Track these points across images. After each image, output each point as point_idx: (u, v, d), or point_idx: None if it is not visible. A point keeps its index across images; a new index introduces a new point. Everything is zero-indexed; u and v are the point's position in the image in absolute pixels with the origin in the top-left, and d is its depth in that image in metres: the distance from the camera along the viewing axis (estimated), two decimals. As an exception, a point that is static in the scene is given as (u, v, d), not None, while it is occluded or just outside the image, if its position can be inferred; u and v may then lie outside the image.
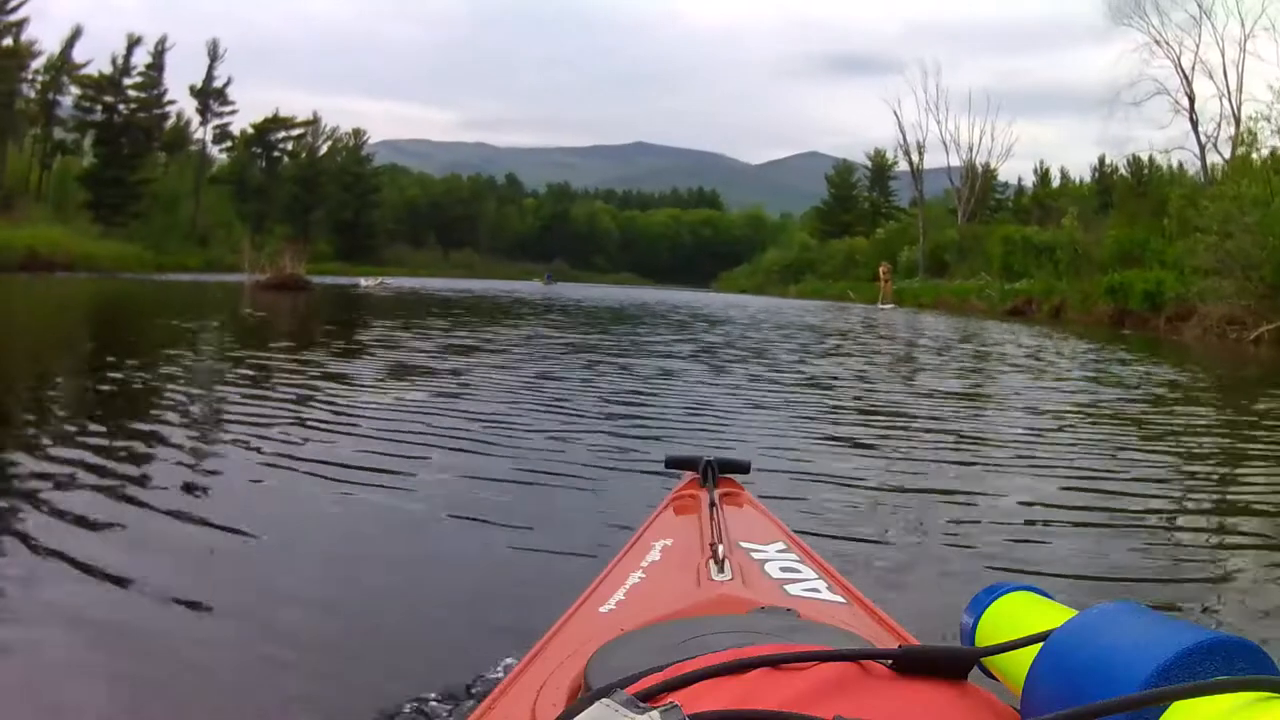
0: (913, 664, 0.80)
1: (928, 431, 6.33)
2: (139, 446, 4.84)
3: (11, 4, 53.26)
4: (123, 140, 64.27)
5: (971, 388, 9.79)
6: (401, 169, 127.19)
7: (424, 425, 5.58)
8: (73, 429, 5.23)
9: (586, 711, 0.68)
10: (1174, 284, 23.54)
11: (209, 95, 72.61)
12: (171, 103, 69.95)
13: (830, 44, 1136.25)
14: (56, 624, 2.43)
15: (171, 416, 5.73)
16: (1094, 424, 7.10)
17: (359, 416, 5.94)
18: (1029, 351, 15.62)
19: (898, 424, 6.69)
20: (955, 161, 59.27)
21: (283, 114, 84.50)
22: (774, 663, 0.77)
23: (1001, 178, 64.33)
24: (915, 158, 60.98)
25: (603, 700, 0.68)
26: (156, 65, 67.60)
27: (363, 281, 38.81)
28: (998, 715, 0.77)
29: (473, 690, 2.06)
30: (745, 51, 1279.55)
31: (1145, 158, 45.64)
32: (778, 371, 10.46)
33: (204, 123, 73.15)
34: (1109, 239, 29.82)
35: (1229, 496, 4.91)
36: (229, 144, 77.01)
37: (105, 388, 7.06)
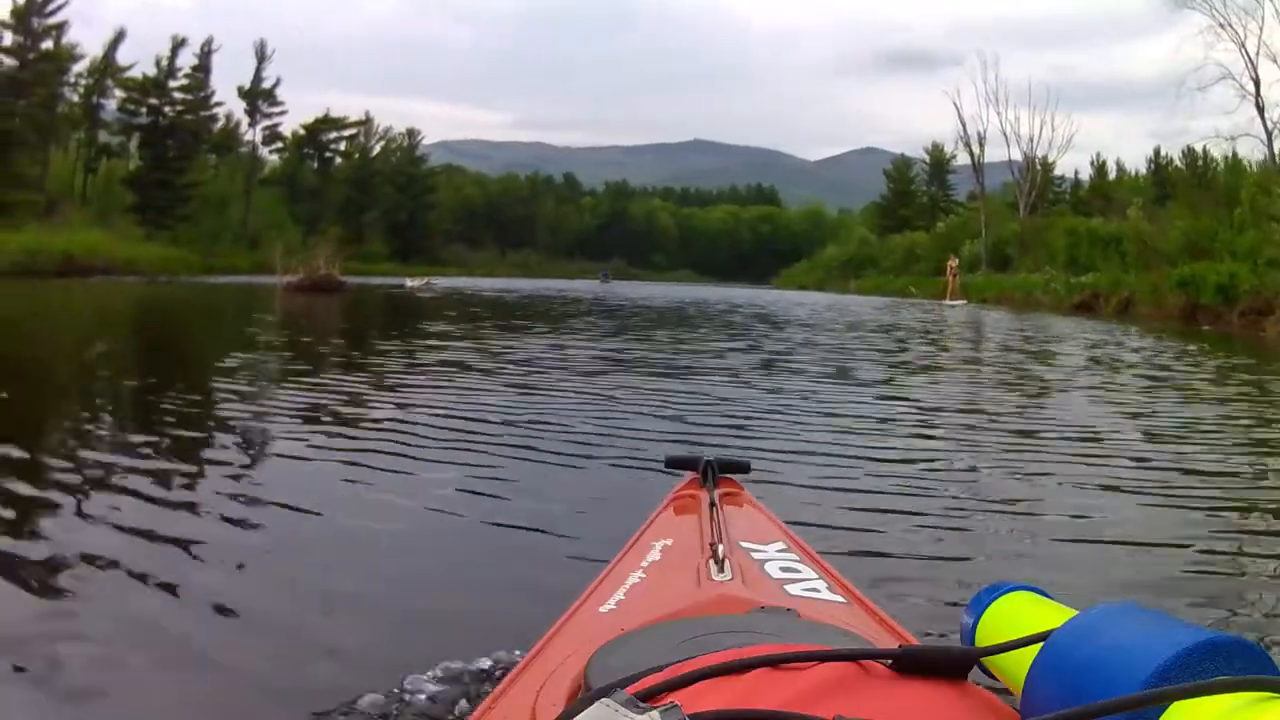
0: (913, 664, 0.80)
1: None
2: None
3: (51, 6, 53.28)
4: (169, 143, 63.99)
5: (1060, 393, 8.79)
6: (457, 169, 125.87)
7: (419, 437, 5.55)
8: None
9: (586, 711, 0.69)
10: (1248, 276, 22.77)
11: (257, 96, 72.17)
12: (219, 104, 69.71)
13: (881, 41, 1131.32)
14: (101, 628, 2.45)
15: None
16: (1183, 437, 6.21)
17: (356, 422, 6.00)
18: (1108, 352, 14.24)
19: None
20: (1015, 154, 58.36)
21: (335, 115, 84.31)
22: (774, 663, 0.77)
23: (1058, 171, 62.88)
24: (976, 150, 58.97)
25: (603, 700, 0.69)
26: (203, 67, 67.25)
27: (408, 282, 37.35)
28: (998, 715, 0.77)
29: (473, 690, 2.05)
30: (797, 49, 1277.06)
31: (1199, 148, 44.77)
32: (872, 401, 7.86)
33: (253, 124, 72.78)
34: (1175, 230, 28.70)
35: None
36: (279, 145, 76.73)
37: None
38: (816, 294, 52.53)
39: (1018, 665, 0.80)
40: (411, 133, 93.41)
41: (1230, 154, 35.51)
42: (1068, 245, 38.00)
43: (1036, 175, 56.23)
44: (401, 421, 5.76)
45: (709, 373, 9.33)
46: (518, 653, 1.31)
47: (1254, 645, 0.65)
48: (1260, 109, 33.81)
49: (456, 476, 4.33)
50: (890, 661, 0.80)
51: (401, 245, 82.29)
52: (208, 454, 4.86)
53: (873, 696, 0.75)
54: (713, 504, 1.73)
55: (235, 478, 4.24)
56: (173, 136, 64.69)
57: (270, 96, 73.30)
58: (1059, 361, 12.37)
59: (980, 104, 76.91)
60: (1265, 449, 5.86)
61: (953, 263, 42.78)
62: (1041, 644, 0.75)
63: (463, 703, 2.00)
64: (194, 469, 4.46)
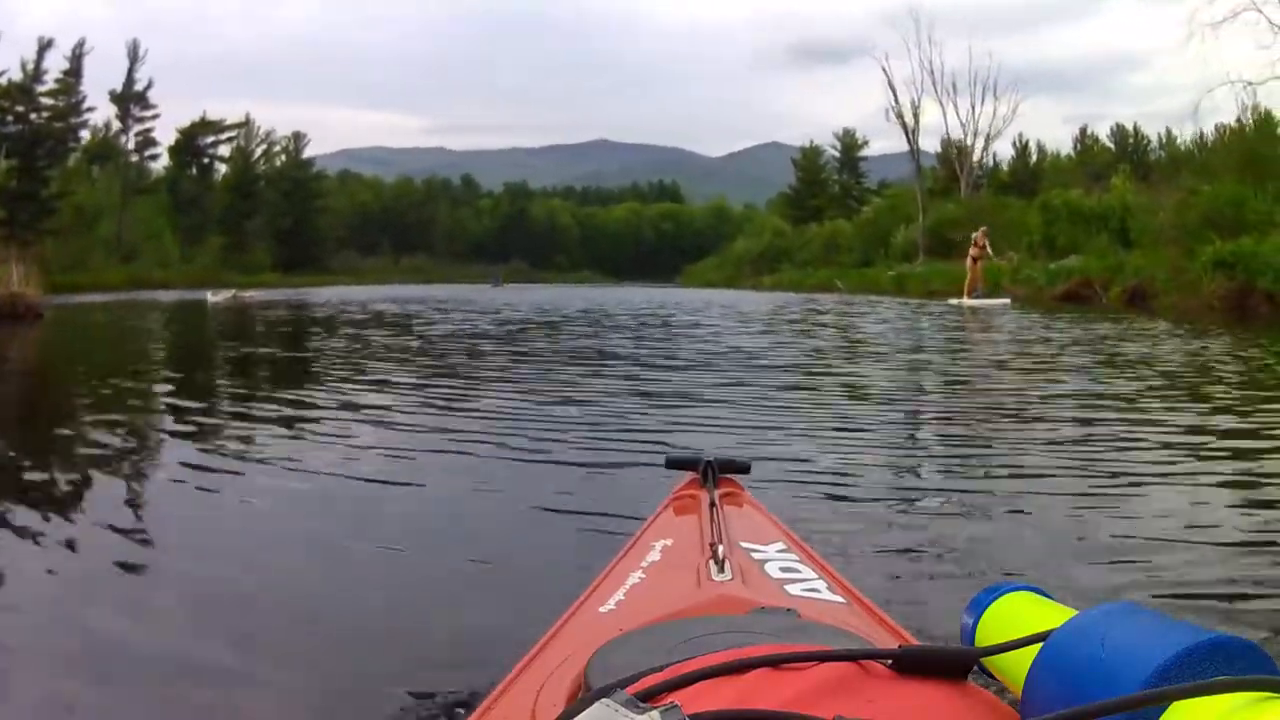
0: (913, 664, 0.80)
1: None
2: None
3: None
4: (38, 152, 58.32)
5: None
6: (353, 175, 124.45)
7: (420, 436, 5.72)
8: None
9: (586, 711, 0.68)
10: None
11: (129, 100, 67.46)
12: (91, 109, 64.24)
13: (792, 34, 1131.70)
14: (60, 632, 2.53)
15: None
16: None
17: (346, 432, 6.18)
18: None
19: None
20: (953, 124, 52.61)
21: (212, 119, 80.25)
22: (774, 663, 0.77)
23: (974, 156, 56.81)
24: (910, 119, 52.80)
25: (603, 700, 0.68)
26: (74, 70, 61.55)
27: (209, 296, 31.34)
28: (998, 715, 0.77)
29: (473, 690, 2.05)
30: (705, 46, 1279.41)
31: (1130, 125, 39.34)
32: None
33: (125, 129, 67.95)
34: (1203, 198, 22.60)
35: None
36: (153, 151, 71.79)
37: None
38: (729, 293, 45.71)
39: (1018, 665, 0.79)
40: (297, 136, 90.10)
41: (1248, 105, 29.03)
42: (1043, 223, 31.53)
43: (971, 152, 50.71)
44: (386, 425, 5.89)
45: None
46: (517, 653, 1.22)
47: (1254, 645, 0.65)
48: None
49: (451, 480, 4.48)
50: (890, 661, 0.80)
51: (287, 254, 79.06)
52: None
53: (873, 696, 0.75)
54: (713, 504, 1.71)
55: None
56: (40, 145, 59.45)
57: (143, 100, 68.47)
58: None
59: (914, 67, 67.68)
60: None
61: (980, 236, 26.75)
62: (1041, 644, 0.75)
63: (463, 703, 2.02)
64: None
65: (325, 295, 38.72)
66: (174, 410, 7.10)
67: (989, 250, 26.58)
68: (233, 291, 34.12)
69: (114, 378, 9.24)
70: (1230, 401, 7.07)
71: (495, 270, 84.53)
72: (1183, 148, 39.50)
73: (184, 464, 4.79)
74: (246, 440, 5.70)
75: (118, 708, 2.14)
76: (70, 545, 3.32)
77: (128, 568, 3.07)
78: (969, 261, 26.36)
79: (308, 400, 7.38)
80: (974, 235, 26.59)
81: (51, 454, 5.42)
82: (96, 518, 3.73)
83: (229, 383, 9.43)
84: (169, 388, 8.61)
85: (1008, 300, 23.94)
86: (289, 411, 6.73)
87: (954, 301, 25.09)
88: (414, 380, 8.74)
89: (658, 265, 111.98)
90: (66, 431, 6.20)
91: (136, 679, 2.25)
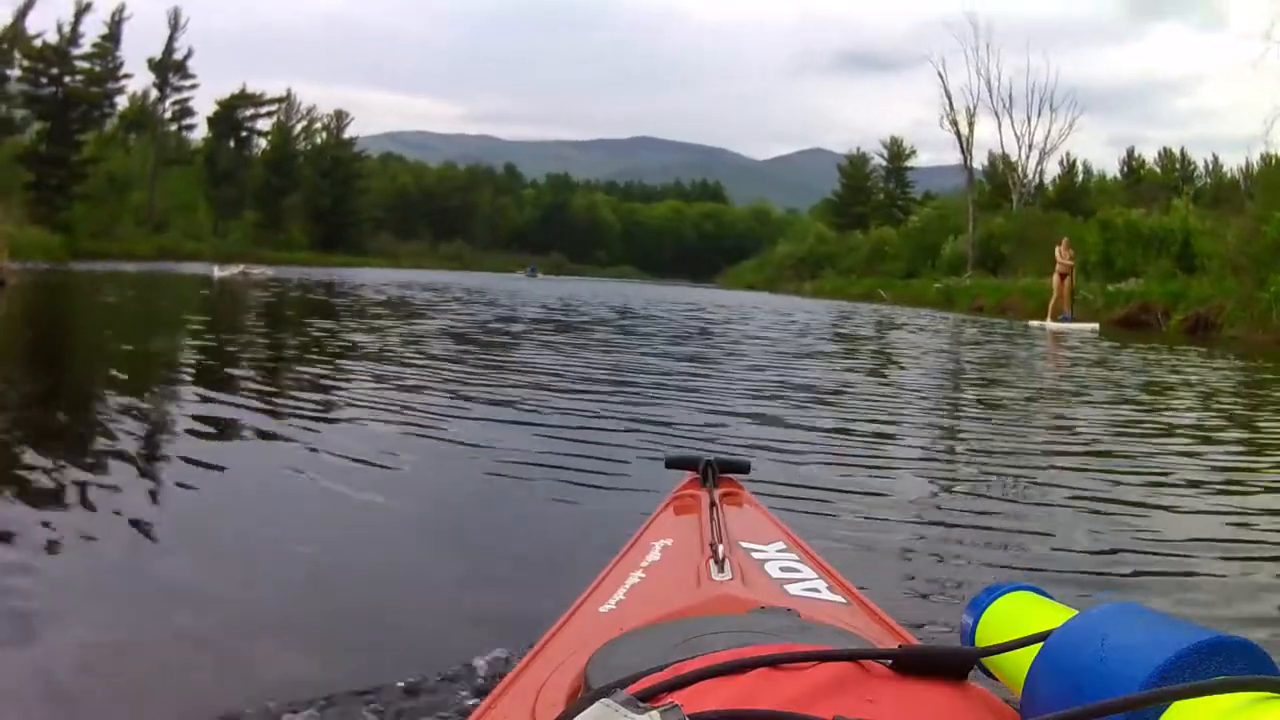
0: (913, 664, 0.80)
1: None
2: None
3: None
4: (70, 116, 57.36)
5: None
6: (396, 157, 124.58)
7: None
8: None
9: (586, 711, 0.68)
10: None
11: (168, 68, 66.71)
12: (128, 76, 63.59)
13: (838, 41, 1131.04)
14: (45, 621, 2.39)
15: None
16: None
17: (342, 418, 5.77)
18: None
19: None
20: (1009, 135, 51.30)
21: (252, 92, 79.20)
22: (774, 663, 0.77)
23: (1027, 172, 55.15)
24: (964, 126, 50.15)
25: (603, 700, 0.68)
26: (112, 36, 61.26)
27: (216, 270, 30.22)
28: (998, 715, 0.77)
29: (472, 690, 2.04)
30: (751, 48, 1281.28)
31: (1176, 150, 38.04)
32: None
33: (162, 98, 67.22)
34: (1274, 225, 21.21)
35: None
36: (189, 122, 70.94)
37: None
38: (772, 297, 44.99)
39: (1018, 665, 0.80)
40: (339, 114, 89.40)
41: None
42: (1102, 243, 29.02)
43: (1025, 167, 49.63)
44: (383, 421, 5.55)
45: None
46: (517, 653, 1.27)
47: (1254, 645, 0.65)
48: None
49: (450, 479, 4.39)
50: (890, 661, 0.80)
51: (323, 234, 78.64)
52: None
53: (873, 696, 0.75)
54: (713, 504, 1.70)
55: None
56: (73, 109, 58.12)
57: (182, 69, 67.55)
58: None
59: (970, 73, 64.12)
60: None
61: (1064, 251, 22.86)
62: (1041, 644, 0.75)
63: (462, 703, 1.98)
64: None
65: (349, 276, 37.74)
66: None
67: (1070, 270, 22.85)
68: (241, 267, 33.08)
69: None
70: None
71: (533, 261, 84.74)
72: (1244, 172, 38.12)
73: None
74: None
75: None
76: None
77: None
78: (1055, 279, 22.77)
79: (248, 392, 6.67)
80: (1058, 249, 22.93)
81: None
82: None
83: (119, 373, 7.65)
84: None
85: (1095, 326, 20.66)
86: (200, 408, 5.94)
87: (1035, 324, 22.36)
88: (355, 378, 7.67)
89: (698, 264, 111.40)
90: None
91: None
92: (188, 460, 4.31)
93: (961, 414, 7.41)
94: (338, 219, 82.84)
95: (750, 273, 75.66)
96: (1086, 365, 12.15)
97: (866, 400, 7.75)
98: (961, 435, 6.32)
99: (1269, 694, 0.58)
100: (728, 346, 13.20)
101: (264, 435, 5.20)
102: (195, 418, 5.48)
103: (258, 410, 5.87)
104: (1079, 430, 6.48)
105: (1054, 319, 21.70)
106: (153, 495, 3.76)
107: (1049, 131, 50.36)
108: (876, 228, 59.69)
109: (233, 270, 31.08)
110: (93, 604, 2.59)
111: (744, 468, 2.07)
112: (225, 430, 5.28)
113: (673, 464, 2.09)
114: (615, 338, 14.06)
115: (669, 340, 14.01)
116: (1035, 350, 15.32)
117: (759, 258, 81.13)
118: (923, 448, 5.66)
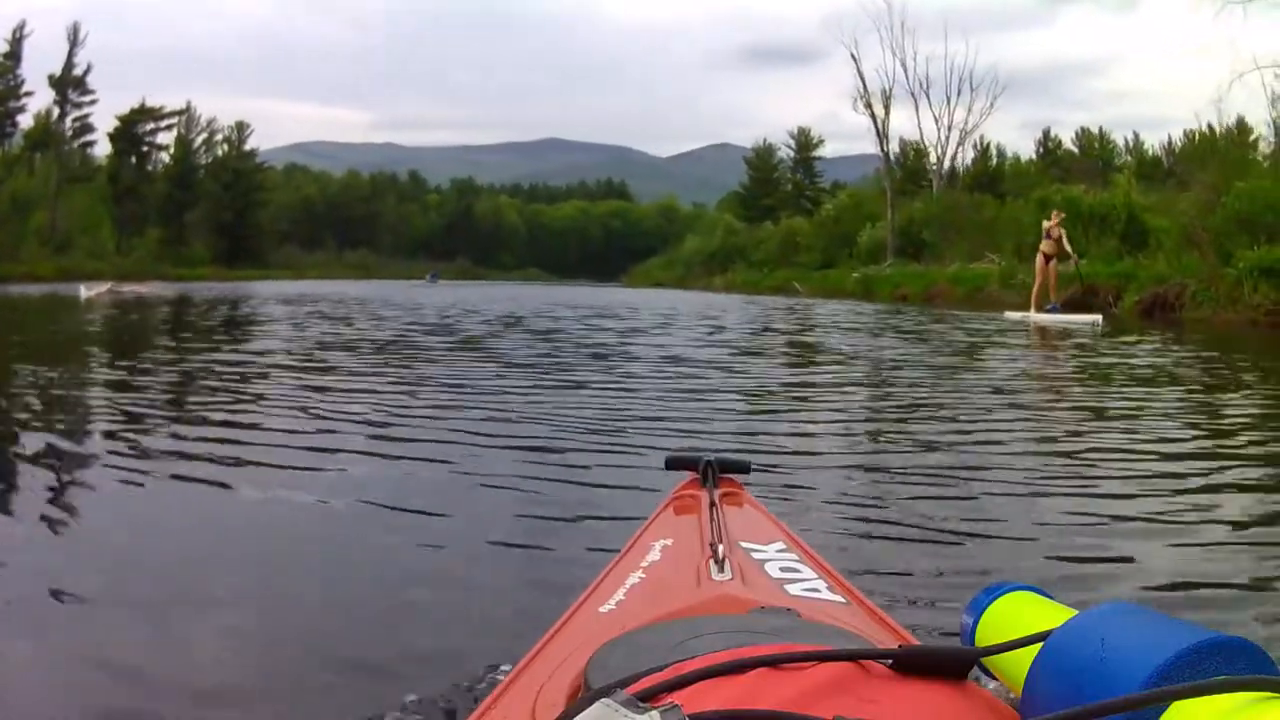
0: (913, 664, 0.80)
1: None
2: None
3: None
4: None
5: None
6: (300, 168, 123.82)
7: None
8: None
9: (586, 711, 0.68)
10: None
11: (68, 84, 65.04)
12: (29, 94, 63.02)
13: (745, 35, 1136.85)
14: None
15: None
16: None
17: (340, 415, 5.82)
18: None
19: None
20: (927, 117, 50.52)
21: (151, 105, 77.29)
22: (774, 663, 0.77)
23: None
24: (879, 110, 49.00)
25: (603, 700, 0.68)
26: (13, 54, 61.22)
27: (83, 289, 28.28)
28: (998, 715, 0.77)
29: (472, 690, 2.03)
30: (665, 47, 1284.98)
31: (1095, 129, 37.69)
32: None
33: (62, 115, 65.41)
34: (1234, 196, 19.10)
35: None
36: (90, 138, 69.23)
37: None
38: (683, 293, 43.26)
39: (1018, 665, 0.80)
40: (240, 126, 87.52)
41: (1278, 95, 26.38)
42: (1038, 223, 27.97)
43: (944, 149, 48.86)
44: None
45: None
46: (517, 653, 1.21)
47: (1254, 645, 0.65)
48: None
49: (447, 479, 4.38)
50: (890, 661, 0.80)
51: (226, 247, 77.41)
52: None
53: (872, 696, 0.75)
54: (713, 504, 1.69)
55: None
56: None
57: (81, 85, 66.07)
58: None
59: (885, 54, 63.52)
60: None
61: (1054, 225, 19.34)
62: (1041, 644, 0.75)
63: (462, 703, 1.98)
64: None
65: (244, 290, 36.27)
66: None
67: (1067, 245, 19.03)
68: (108, 284, 31.78)
69: None
70: None
71: (435, 267, 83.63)
72: (1201, 139, 36.77)
73: None
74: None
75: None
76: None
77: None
78: (1039, 261, 19.27)
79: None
80: (1045, 225, 19.60)
81: None
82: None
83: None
84: None
85: (1099, 318, 16.61)
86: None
87: (1017, 316, 18.78)
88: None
89: (605, 264, 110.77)
90: None
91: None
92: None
93: (961, 415, 7.15)
94: (241, 232, 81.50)
95: (658, 270, 74.88)
96: (1095, 368, 10.41)
97: (866, 406, 7.96)
98: (962, 435, 6.12)
99: (1269, 694, 0.58)
100: (642, 380, 8.54)
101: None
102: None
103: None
104: (1088, 434, 6.24)
105: (1038, 310, 18.63)
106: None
107: (969, 110, 49.42)
108: (787, 219, 58.55)
109: (100, 289, 29.44)
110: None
111: (744, 468, 2.04)
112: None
113: (672, 464, 2.06)
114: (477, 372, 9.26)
115: (557, 379, 8.72)
116: (1017, 349, 13.00)
117: (666, 255, 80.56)
118: (923, 449, 5.56)
